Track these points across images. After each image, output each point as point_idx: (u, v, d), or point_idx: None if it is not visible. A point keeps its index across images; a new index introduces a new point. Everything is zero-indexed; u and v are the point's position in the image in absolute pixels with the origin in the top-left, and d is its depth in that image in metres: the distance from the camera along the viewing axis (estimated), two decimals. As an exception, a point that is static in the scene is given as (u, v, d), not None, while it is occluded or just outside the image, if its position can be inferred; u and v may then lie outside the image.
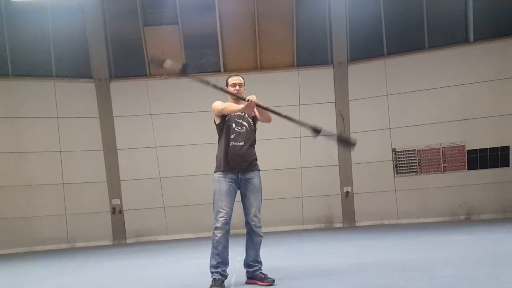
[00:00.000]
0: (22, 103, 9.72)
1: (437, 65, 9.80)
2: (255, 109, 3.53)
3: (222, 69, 10.42)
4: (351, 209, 10.28)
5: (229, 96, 3.74)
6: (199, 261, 5.31)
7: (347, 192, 10.26)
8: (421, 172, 9.97)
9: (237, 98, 3.66)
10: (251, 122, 3.67)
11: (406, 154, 10.03)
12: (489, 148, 9.59)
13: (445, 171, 9.86)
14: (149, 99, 10.27)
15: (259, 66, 10.49)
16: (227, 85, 3.74)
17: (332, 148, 10.32)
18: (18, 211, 9.62)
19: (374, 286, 3.12)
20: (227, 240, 3.51)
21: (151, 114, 10.25)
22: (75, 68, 10.16)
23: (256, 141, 3.73)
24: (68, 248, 9.75)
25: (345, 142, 3.52)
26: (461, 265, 3.72)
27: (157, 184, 10.23)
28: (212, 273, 3.49)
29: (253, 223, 3.55)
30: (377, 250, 5.32)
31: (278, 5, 10.34)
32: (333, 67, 10.35)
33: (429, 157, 9.92)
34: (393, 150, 10.11)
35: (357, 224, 10.20)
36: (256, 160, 3.67)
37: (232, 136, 3.56)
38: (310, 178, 10.24)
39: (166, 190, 10.23)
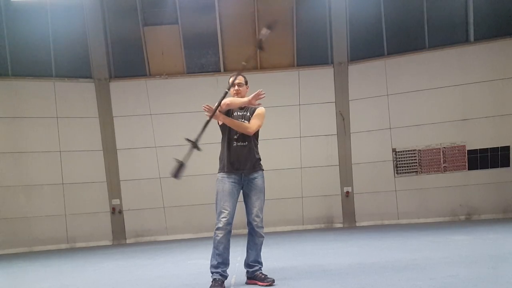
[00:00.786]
0: (22, 103, 9.71)
1: (437, 65, 9.80)
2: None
3: (222, 69, 10.42)
4: (351, 209, 10.27)
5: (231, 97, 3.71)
6: (199, 261, 5.32)
7: (347, 192, 10.25)
8: (422, 172, 9.97)
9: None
10: None
11: (406, 154, 10.02)
12: (490, 148, 9.58)
13: (446, 171, 9.86)
14: (149, 99, 10.26)
15: (259, 66, 10.49)
16: (229, 85, 3.72)
17: (332, 148, 10.33)
18: (18, 211, 9.60)
19: (374, 286, 3.12)
20: (229, 241, 3.50)
21: (151, 114, 10.24)
22: (75, 68, 10.14)
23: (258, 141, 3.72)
24: (68, 248, 9.74)
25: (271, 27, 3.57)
26: (461, 265, 3.71)
27: (157, 184, 10.22)
28: (212, 273, 3.49)
29: (255, 223, 3.54)
30: (377, 250, 5.32)
31: (278, 5, 10.34)
32: (333, 67, 10.35)
33: (430, 157, 9.91)
34: (393, 150, 10.11)
35: (357, 224, 10.19)
36: (260, 160, 3.66)
37: (235, 137, 3.55)
38: (310, 178, 10.23)
39: (166, 190, 10.22)
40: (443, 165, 9.86)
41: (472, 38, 9.74)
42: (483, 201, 9.60)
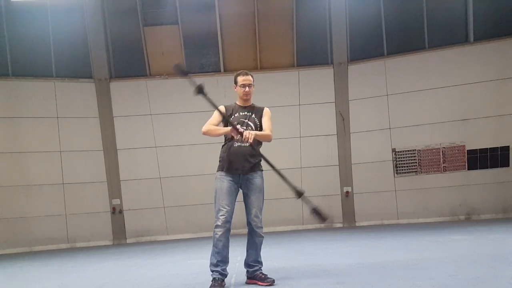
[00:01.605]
0: (22, 103, 9.72)
1: (437, 65, 9.80)
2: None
3: (222, 69, 10.42)
4: (351, 209, 10.27)
5: (237, 95, 3.70)
6: (199, 261, 5.32)
7: (347, 192, 10.26)
8: (421, 172, 9.97)
9: (244, 100, 3.64)
10: (258, 123, 3.64)
11: (406, 154, 10.03)
12: (489, 148, 9.59)
13: (445, 171, 9.86)
14: (149, 99, 10.27)
15: (259, 66, 10.48)
16: (235, 83, 3.69)
17: (332, 148, 10.34)
18: (18, 211, 9.61)
19: (374, 286, 3.12)
20: (228, 239, 3.50)
21: (151, 114, 10.25)
22: (75, 68, 10.15)
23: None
24: (68, 248, 9.74)
25: (318, 215, 3.56)
26: (461, 265, 3.72)
27: (157, 184, 10.23)
28: (212, 271, 3.49)
29: (254, 223, 3.54)
30: (377, 250, 5.32)
31: (278, 5, 10.34)
32: (333, 67, 10.35)
33: (429, 157, 9.92)
34: (393, 150, 10.11)
35: (357, 224, 10.19)
36: (260, 161, 3.66)
37: (237, 137, 3.55)
38: (310, 178, 10.22)
39: (166, 190, 10.23)
40: (442, 165, 9.86)
41: (471, 38, 9.74)
42: (482, 201, 9.60)
